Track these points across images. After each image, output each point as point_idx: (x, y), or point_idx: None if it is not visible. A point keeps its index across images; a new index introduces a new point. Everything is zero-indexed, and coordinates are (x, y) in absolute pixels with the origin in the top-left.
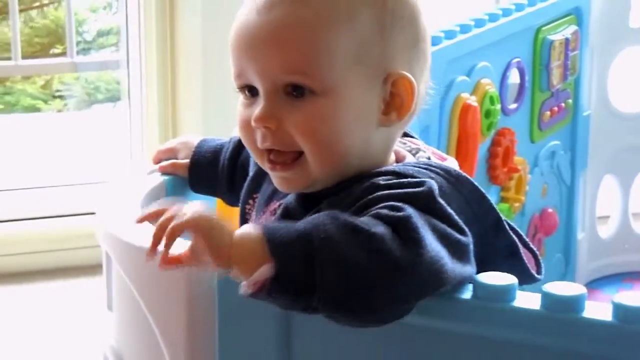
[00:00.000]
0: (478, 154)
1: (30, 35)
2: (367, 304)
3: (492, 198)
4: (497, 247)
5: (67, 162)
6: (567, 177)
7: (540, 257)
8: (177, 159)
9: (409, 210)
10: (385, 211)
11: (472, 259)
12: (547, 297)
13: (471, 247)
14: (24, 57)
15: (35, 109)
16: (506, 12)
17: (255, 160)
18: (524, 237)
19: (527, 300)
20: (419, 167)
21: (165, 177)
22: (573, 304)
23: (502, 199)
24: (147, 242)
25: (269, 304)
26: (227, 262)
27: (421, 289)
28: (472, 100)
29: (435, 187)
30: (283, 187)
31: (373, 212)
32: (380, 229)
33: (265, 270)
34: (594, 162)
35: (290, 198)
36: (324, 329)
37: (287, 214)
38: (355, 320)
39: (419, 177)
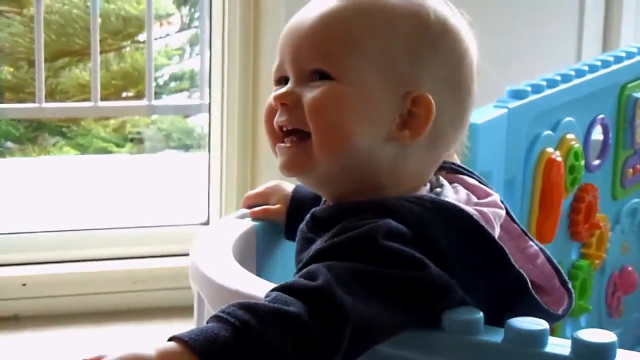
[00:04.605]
0: (561, 209)
1: (106, 78)
2: None
3: (573, 254)
4: (507, 282)
5: (140, 204)
6: None
7: (573, 297)
8: (268, 204)
9: (326, 276)
10: (300, 281)
11: (437, 294)
12: (577, 343)
13: (430, 281)
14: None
15: (107, 152)
16: (592, 69)
17: (270, 145)
18: (563, 273)
19: (558, 346)
20: (407, 201)
21: (255, 223)
22: (602, 352)
23: (583, 255)
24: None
25: None
26: None
27: (353, 351)
28: (557, 155)
29: (385, 226)
30: (285, 169)
31: (291, 281)
32: (295, 308)
33: None
34: None
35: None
36: None
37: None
38: None
39: (378, 218)
